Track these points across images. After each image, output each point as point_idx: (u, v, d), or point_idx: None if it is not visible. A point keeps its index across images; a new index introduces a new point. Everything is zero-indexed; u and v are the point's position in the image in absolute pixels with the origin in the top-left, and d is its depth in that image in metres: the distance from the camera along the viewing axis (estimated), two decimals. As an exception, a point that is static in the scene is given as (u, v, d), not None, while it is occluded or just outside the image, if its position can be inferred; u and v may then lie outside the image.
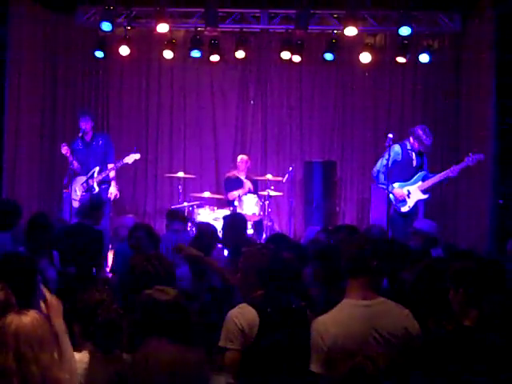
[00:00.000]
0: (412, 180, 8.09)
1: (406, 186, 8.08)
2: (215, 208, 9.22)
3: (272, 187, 9.52)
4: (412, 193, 8.04)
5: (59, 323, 2.83)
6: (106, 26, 9.24)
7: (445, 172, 8.03)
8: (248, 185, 9.54)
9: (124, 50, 9.82)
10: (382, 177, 8.07)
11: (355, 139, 10.75)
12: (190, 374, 1.66)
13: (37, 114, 10.02)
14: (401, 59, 9.94)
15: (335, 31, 9.84)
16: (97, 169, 8.53)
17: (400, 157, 8.10)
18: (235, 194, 9.46)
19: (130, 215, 8.20)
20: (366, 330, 2.92)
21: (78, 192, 8.51)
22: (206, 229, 5.48)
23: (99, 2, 9.61)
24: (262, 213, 9.35)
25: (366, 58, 9.94)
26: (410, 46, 9.80)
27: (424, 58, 9.83)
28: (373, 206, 9.38)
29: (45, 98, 10.21)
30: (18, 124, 9.44)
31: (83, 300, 2.91)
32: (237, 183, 9.68)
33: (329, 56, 10.00)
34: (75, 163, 8.55)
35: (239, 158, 9.94)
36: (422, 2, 9.59)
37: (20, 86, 9.43)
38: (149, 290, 2.88)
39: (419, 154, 8.15)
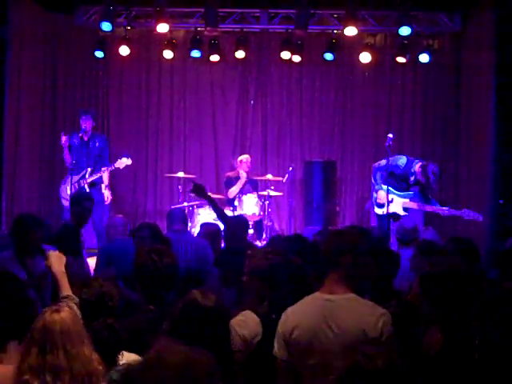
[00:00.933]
0: (402, 193, 8.13)
1: (393, 194, 8.10)
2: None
3: (272, 187, 9.52)
4: (394, 203, 8.09)
5: (60, 271, 2.88)
6: (106, 26, 9.24)
7: (436, 208, 8.09)
8: (243, 176, 9.51)
9: (124, 50, 9.82)
10: (378, 174, 8.19)
11: (355, 139, 10.75)
12: (199, 377, 1.64)
13: (37, 114, 10.03)
14: (401, 59, 9.93)
15: (335, 31, 9.84)
16: (89, 170, 8.50)
17: (400, 170, 8.16)
18: (234, 189, 9.45)
19: (120, 215, 8.21)
20: (319, 323, 2.89)
21: (68, 191, 8.46)
22: (238, 221, 5.57)
23: (99, 1, 9.61)
24: (262, 213, 9.35)
25: (365, 57, 9.94)
26: (409, 46, 9.79)
27: (424, 58, 9.83)
28: (373, 206, 9.38)
29: (45, 97, 10.22)
30: (17, 124, 9.44)
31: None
32: (237, 182, 9.66)
33: (329, 56, 10.00)
34: (69, 159, 8.49)
35: (244, 157, 9.86)
36: (421, 2, 9.58)
37: (20, 85, 9.43)
38: (194, 293, 2.82)
39: (418, 182, 8.17)
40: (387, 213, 7.85)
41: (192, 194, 4.94)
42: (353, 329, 2.86)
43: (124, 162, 8.60)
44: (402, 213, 8.06)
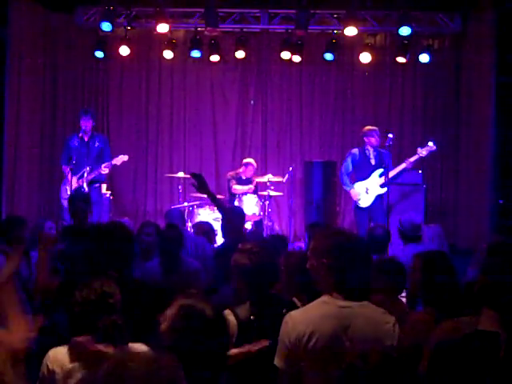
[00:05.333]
0: (370, 177, 8.27)
1: (364, 183, 8.24)
2: (215, 208, 9.19)
3: (272, 187, 9.52)
4: (370, 188, 8.25)
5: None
6: (106, 26, 9.25)
7: (399, 166, 8.24)
8: (252, 188, 9.52)
9: (124, 50, 9.83)
10: (345, 178, 8.45)
11: (355, 139, 10.70)
12: (163, 378, 1.66)
13: (37, 114, 10.03)
14: (401, 59, 9.94)
15: (335, 31, 9.85)
16: (87, 169, 8.46)
17: (357, 157, 8.39)
18: (240, 188, 9.40)
19: (126, 218, 8.23)
20: (336, 332, 2.76)
21: (68, 192, 8.41)
22: (234, 211, 5.58)
23: (99, 1, 9.62)
24: (262, 213, 9.34)
25: (365, 57, 9.94)
26: (409, 46, 9.80)
27: (424, 57, 9.84)
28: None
29: (45, 97, 10.23)
30: (17, 124, 9.44)
31: (81, 301, 2.87)
32: (238, 183, 9.62)
33: (329, 56, 10.01)
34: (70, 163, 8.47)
35: (249, 160, 9.79)
36: (421, 2, 9.59)
37: (20, 85, 9.44)
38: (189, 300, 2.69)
39: (378, 152, 8.32)
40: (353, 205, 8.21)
41: (193, 184, 4.86)
42: (370, 338, 2.77)
43: (121, 159, 8.56)
44: (381, 191, 8.16)
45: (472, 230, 9.43)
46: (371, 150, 8.34)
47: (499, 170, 9.08)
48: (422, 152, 8.18)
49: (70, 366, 2.77)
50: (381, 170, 8.22)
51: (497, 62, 9.05)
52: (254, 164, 9.77)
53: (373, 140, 8.30)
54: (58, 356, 2.80)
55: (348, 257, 2.85)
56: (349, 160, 8.45)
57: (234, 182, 9.57)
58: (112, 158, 8.69)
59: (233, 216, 5.26)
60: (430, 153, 8.22)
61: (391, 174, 8.18)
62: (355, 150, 8.48)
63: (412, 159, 8.22)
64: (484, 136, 9.36)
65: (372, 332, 2.79)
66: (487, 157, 9.23)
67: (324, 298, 2.86)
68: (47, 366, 2.80)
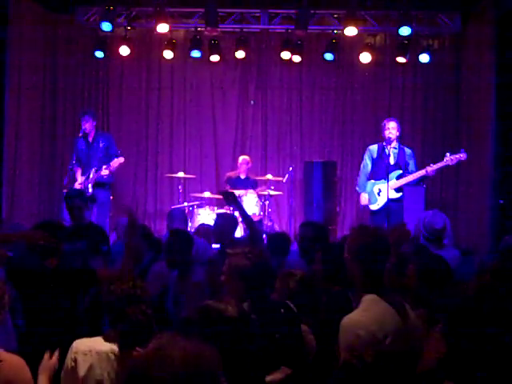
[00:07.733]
0: (386, 179, 7.91)
1: (378, 184, 8.03)
2: (215, 208, 9.21)
3: (272, 187, 9.52)
4: (383, 191, 7.88)
5: None
6: (106, 26, 9.25)
7: (420, 171, 7.83)
8: (250, 192, 9.46)
9: (124, 50, 9.84)
10: (361, 179, 8.14)
11: (355, 139, 10.74)
12: (204, 370, 1.64)
13: (37, 114, 10.03)
14: (401, 59, 9.94)
15: (335, 31, 9.86)
16: (93, 170, 8.43)
17: (376, 154, 8.08)
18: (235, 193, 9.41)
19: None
20: (399, 324, 2.85)
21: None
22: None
23: (99, 2, 9.62)
24: (262, 213, 9.35)
25: (366, 58, 9.95)
26: (409, 46, 9.81)
27: (424, 57, 9.84)
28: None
29: (45, 98, 10.22)
30: (17, 124, 9.44)
31: (113, 292, 2.98)
32: (238, 183, 9.67)
33: (329, 56, 10.02)
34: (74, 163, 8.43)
35: (240, 158, 9.90)
36: (421, 2, 9.59)
37: (20, 85, 9.43)
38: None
39: (401, 151, 8.01)
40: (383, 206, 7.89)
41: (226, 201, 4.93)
42: (417, 335, 2.90)
43: (117, 161, 8.44)
44: (396, 195, 7.85)
45: (472, 230, 9.43)
46: (391, 146, 7.88)
47: (499, 170, 9.08)
48: (451, 161, 7.65)
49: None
50: (398, 172, 7.89)
51: (497, 61, 9.04)
52: (248, 159, 9.81)
53: (386, 133, 7.84)
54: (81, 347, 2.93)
55: (374, 256, 2.93)
56: (366, 158, 8.07)
57: (228, 186, 9.58)
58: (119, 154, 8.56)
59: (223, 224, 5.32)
60: (459, 162, 7.76)
61: (409, 178, 7.77)
62: (373, 147, 8.10)
63: (437, 166, 7.70)
64: (484, 136, 9.35)
65: (417, 330, 2.90)
66: (487, 157, 9.23)
67: (368, 296, 2.90)
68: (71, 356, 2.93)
